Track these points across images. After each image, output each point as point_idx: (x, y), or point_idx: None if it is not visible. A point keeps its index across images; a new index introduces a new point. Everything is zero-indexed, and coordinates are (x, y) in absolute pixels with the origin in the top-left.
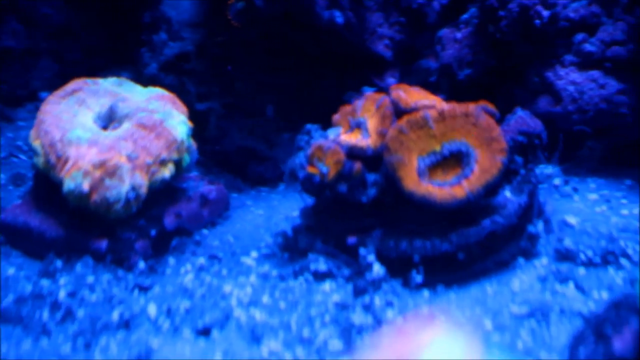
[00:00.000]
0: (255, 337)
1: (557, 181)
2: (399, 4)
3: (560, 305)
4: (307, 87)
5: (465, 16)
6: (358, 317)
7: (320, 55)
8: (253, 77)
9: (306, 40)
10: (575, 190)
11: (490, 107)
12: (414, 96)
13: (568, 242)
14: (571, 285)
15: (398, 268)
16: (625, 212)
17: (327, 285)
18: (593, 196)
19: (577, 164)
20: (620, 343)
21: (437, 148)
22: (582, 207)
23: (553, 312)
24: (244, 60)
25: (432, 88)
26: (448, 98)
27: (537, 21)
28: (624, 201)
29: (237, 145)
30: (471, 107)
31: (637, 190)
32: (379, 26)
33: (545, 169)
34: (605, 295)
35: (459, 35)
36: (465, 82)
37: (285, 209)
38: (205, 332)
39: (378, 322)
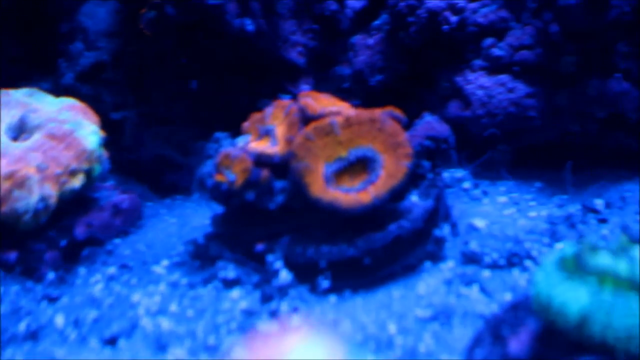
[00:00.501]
0: (160, 345)
1: (466, 185)
2: (312, 11)
3: (463, 307)
4: (223, 95)
5: (377, 22)
6: (264, 323)
7: (235, 63)
8: (168, 85)
9: (219, 49)
10: (485, 193)
11: (397, 112)
12: (323, 103)
13: (474, 245)
14: (475, 287)
15: (305, 274)
16: (533, 214)
17: (235, 293)
18: (502, 199)
19: (488, 167)
20: (516, 344)
21: (344, 154)
22: (491, 210)
23: (456, 315)
24: (159, 69)
25: (346, 94)
26: (361, 104)
27: (446, 27)
28: (532, 203)
29: (152, 154)
30: (377, 113)
31: (546, 192)
32: (292, 34)
33: (455, 173)
34: (508, 297)
35: (370, 41)
36: (377, 87)
37: (199, 217)
38: (111, 341)
39: (283, 328)
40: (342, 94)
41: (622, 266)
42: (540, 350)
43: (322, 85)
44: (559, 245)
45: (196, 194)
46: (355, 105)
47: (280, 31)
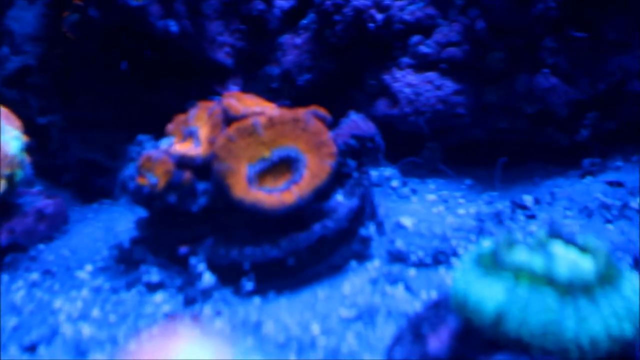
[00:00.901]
0: (80, 351)
1: (395, 183)
2: (239, 11)
3: (388, 307)
4: (151, 97)
5: (304, 22)
6: (185, 327)
7: (162, 65)
8: (95, 88)
9: (145, 51)
10: (414, 191)
11: (322, 111)
12: (247, 103)
13: (400, 244)
14: (401, 286)
15: (229, 276)
16: (462, 211)
17: (159, 296)
18: (431, 197)
19: (418, 165)
20: (435, 342)
21: (267, 154)
22: (419, 208)
23: (380, 314)
24: (85, 72)
25: (275, 95)
26: (290, 104)
27: (372, 25)
28: (461, 201)
29: (79, 158)
30: (300, 112)
31: (476, 190)
32: (219, 34)
33: (384, 172)
34: (433, 294)
35: (298, 40)
36: (305, 87)
37: (126, 221)
38: (31, 348)
39: (206, 332)
40: (272, 94)
41: (538, 261)
42: (459, 348)
43: (252, 85)
44: (486, 243)
45: (123, 198)
46: (284, 106)
47: (207, 32)
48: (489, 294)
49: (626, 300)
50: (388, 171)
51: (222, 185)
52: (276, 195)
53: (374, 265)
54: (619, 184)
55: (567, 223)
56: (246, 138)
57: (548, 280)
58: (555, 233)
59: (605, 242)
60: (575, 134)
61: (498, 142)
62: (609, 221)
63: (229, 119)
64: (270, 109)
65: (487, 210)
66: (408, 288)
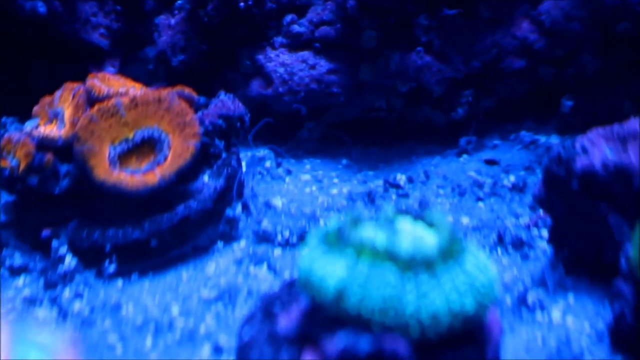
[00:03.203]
0: None
1: (268, 164)
2: None
3: (249, 287)
4: (25, 80)
5: (179, 2)
6: (43, 311)
7: (36, 47)
8: None
9: (16, 32)
10: (289, 172)
11: (188, 91)
12: (112, 84)
13: (267, 224)
14: (264, 266)
15: (92, 259)
16: (334, 191)
17: (21, 280)
18: (306, 177)
19: (296, 145)
20: (285, 321)
21: (130, 135)
22: (292, 189)
23: (241, 295)
24: None
25: (151, 76)
26: (166, 85)
27: (242, 4)
28: (336, 180)
29: None
30: (164, 92)
31: (352, 169)
32: (93, 15)
33: (258, 152)
34: (296, 274)
35: (172, 21)
36: (179, 68)
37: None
38: None
39: (64, 315)
40: (148, 76)
41: (380, 237)
42: (306, 326)
43: (131, 67)
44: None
45: None
46: (161, 87)
47: (79, 13)
48: (330, 271)
49: (468, 276)
50: (262, 152)
51: (84, 167)
52: (138, 176)
53: (240, 246)
54: (494, 162)
55: (439, 201)
56: (108, 119)
57: (390, 256)
58: (404, 210)
59: (474, 219)
60: (451, 112)
61: (376, 121)
62: (480, 199)
63: (92, 100)
64: (136, 89)
65: (360, 190)
66: (271, 268)
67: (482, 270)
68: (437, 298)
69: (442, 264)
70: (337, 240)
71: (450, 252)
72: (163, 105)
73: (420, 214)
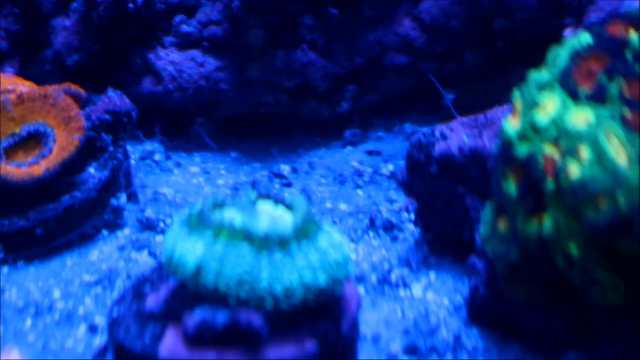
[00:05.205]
0: None
1: (158, 157)
2: None
3: (129, 271)
4: None
5: (75, 4)
6: None
7: None
8: None
9: None
10: (179, 165)
11: (75, 88)
12: (3, 83)
13: (150, 213)
14: (146, 252)
15: None
16: (221, 182)
17: None
18: (195, 169)
19: (187, 141)
20: (153, 300)
21: (17, 130)
22: (180, 180)
23: (120, 278)
24: None
25: (50, 76)
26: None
27: (131, 5)
28: (223, 172)
29: None
30: (50, 89)
31: (241, 162)
32: None
33: (148, 146)
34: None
35: (68, 23)
36: (74, 68)
37: None
38: None
39: None
40: (46, 76)
41: (238, 219)
42: (171, 304)
43: (31, 68)
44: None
45: None
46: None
47: None
48: (190, 250)
49: (322, 253)
50: (152, 146)
51: None
52: (25, 168)
53: (125, 234)
54: (377, 153)
55: (320, 190)
56: None
57: (246, 235)
58: (266, 194)
59: (351, 206)
60: (336, 107)
61: (263, 116)
62: (359, 187)
63: None
64: (26, 87)
65: (246, 180)
66: (152, 254)
67: (335, 247)
68: (290, 273)
69: (297, 243)
70: (199, 223)
71: (305, 232)
72: (49, 101)
73: (282, 198)
